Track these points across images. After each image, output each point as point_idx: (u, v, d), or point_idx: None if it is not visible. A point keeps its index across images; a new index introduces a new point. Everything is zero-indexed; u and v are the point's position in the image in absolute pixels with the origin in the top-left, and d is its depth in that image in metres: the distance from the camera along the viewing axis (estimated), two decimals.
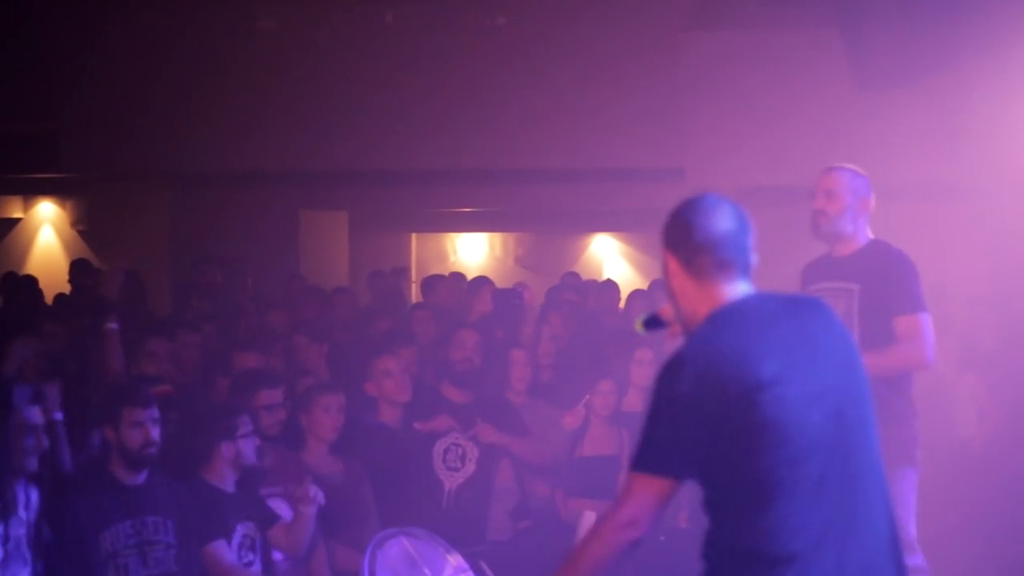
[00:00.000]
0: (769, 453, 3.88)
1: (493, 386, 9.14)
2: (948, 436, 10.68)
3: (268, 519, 7.08)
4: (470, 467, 8.33)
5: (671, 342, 4.41)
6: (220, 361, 8.59)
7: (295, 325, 10.03)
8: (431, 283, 11.66)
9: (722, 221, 4.05)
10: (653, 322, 4.58)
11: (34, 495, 6.01)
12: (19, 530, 5.75)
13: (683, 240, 4.06)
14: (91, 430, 7.09)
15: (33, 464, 5.86)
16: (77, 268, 13.49)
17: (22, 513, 5.85)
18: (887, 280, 6.42)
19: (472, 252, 18.49)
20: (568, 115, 12.36)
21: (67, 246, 16.59)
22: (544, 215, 16.33)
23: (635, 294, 11.62)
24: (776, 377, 3.88)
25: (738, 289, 4.05)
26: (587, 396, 8.93)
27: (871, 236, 6.60)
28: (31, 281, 12.98)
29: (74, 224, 16.71)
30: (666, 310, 4.38)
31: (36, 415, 5.93)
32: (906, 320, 6.37)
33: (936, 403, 10.70)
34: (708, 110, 11.55)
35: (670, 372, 3.96)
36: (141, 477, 6.57)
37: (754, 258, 4.09)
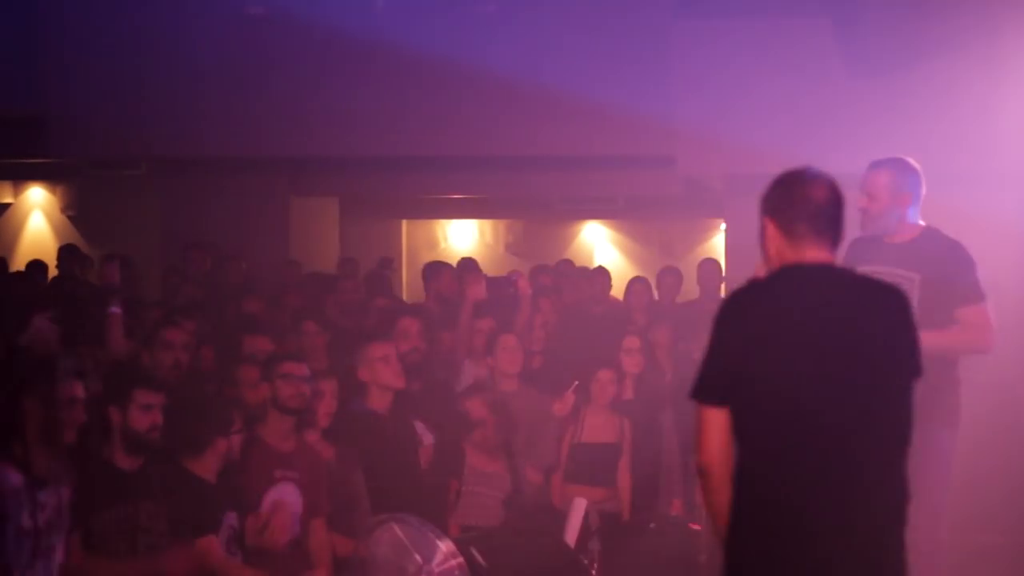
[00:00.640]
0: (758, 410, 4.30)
1: (439, 375, 9.21)
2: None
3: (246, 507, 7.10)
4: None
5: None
6: (229, 348, 8.61)
7: (297, 312, 10.03)
8: (435, 269, 11.59)
9: (819, 193, 4.45)
10: None
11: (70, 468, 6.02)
12: (51, 500, 5.75)
13: (784, 207, 4.47)
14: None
15: (71, 436, 5.87)
16: (65, 254, 13.53)
17: (57, 487, 5.86)
18: (947, 270, 6.60)
19: (462, 239, 18.50)
20: (559, 102, 12.34)
21: (57, 232, 16.59)
22: (535, 202, 16.32)
23: (636, 280, 11.64)
24: (786, 347, 4.30)
25: (821, 255, 4.45)
26: (576, 383, 8.95)
27: (923, 224, 6.75)
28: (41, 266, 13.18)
29: (64, 210, 16.71)
30: (758, 268, 4.72)
31: (79, 389, 5.94)
32: (970, 310, 6.60)
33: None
34: (699, 98, 11.53)
35: (722, 310, 4.44)
36: (138, 462, 6.56)
37: (844, 231, 4.51)
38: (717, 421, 4.32)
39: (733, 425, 4.32)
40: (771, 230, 4.49)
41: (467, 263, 12.13)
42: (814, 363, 4.28)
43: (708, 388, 4.36)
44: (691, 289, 12.01)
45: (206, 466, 6.90)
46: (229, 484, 7.00)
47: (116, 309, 8.64)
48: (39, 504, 5.68)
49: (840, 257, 4.62)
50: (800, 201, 4.45)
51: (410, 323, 8.78)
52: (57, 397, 5.74)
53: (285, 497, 7.23)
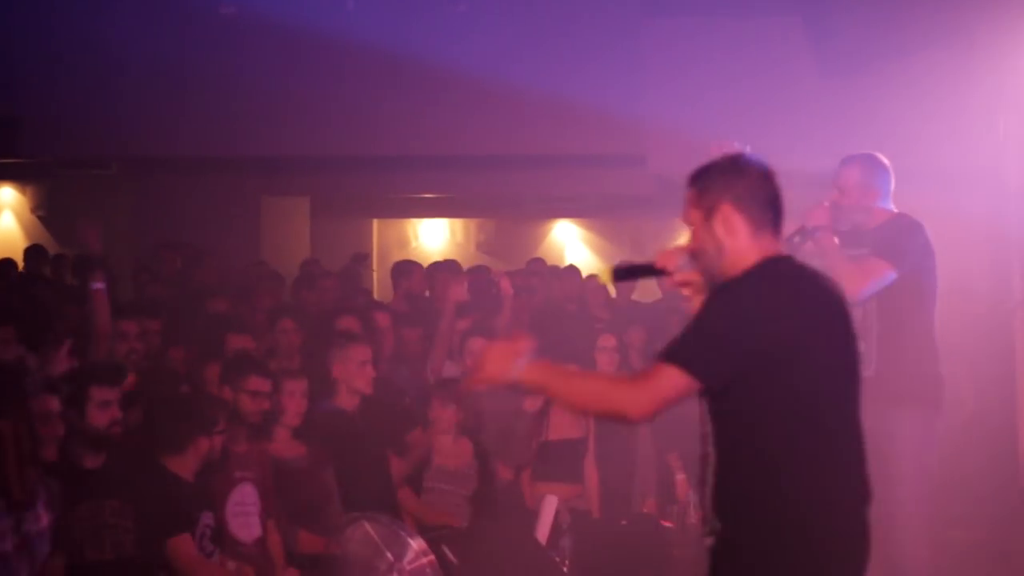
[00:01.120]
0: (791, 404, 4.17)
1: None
2: None
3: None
4: None
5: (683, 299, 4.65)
6: (211, 346, 8.56)
7: (269, 311, 10.01)
8: (403, 269, 11.59)
9: (776, 181, 4.39)
10: (625, 272, 4.74)
11: (55, 488, 5.96)
12: (33, 525, 5.69)
13: (750, 196, 4.34)
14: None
15: (52, 453, 5.82)
16: (31, 255, 13.48)
17: (40, 509, 5.79)
18: (887, 234, 6.80)
19: (434, 238, 18.48)
20: (530, 102, 12.36)
21: (27, 232, 16.50)
22: (506, 201, 16.34)
23: (591, 277, 11.69)
24: (819, 339, 4.20)
25: (779, 246, 4.38)
26: None
27: (895, 210, 6.95)
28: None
29: (34, 210, 16.63)
30: (665, 257, 4.56)
31: (53, 402, 5.89)
32: (873, 260, 6.71)
33: None
34: (669, 96, 11.57)
35: (742, 291, 4.23)
36: (100, 460, 6.53)
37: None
38: (685, 392, 4.15)
39: (750, 414, 4.16)
40: (730, 215, 4.32)
41: (450, 265, 12.11)
42: (835, 353, 4.25)
43: (715, 363, 4.13)
44: (650, 288, 12.05)
45: (185, 465, 6.87)
46: (206, 483, 7.00)
47: (99, 284, 8.19)
48: (23, 528, 5.65)
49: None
50: (764, 188, 4.36)
51: (383, 317, 8.80)
52: (30, 414, 5.69)
53: (246, 497, 7.24)
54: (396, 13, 12.65)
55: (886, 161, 6.96)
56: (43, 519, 5.78)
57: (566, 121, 12.36)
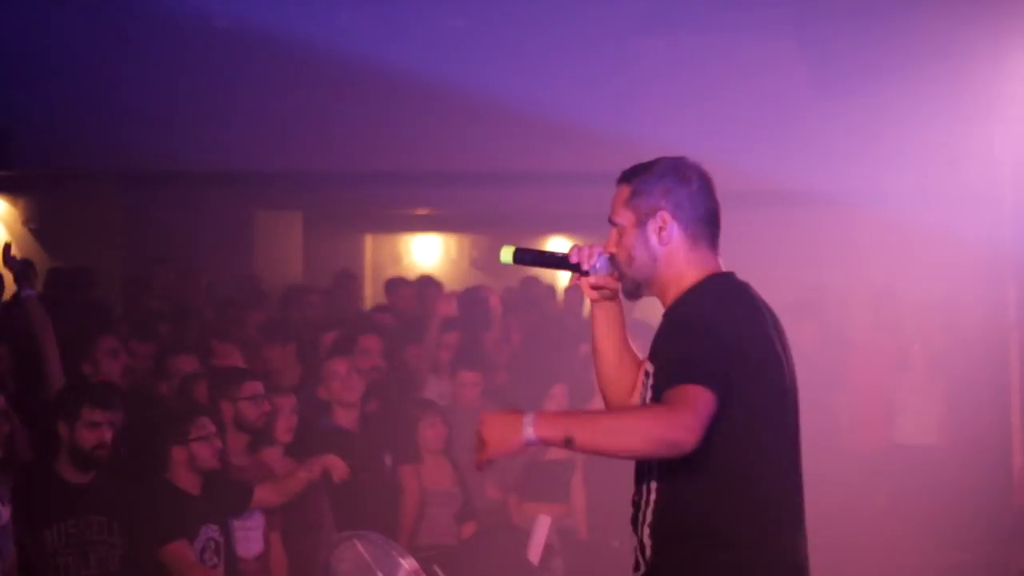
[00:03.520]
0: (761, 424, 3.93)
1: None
2: (886, 440, 10.75)
3: (241, 503, 7.09)
4: None
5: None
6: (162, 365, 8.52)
7: (261, 326, 9.98)
8: (395, 285, 11.60)
9: (716, 194, 4.11)
10: (530, 257, 4.33)
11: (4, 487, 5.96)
12: None
13: (691, 207, 4.06)
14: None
15: None
16: (20, 268, 13.38)
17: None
18: None
19: (427, 254, 18.46)
20: (524, 118, 12.34)
21: (19, 244, 16.45)
22: (499, 217, 16.31)
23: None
24: (778, 358, 3.98)
25: (719, 262, 4.10)
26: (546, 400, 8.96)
27: None
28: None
29: (26, 222, 16.59)
30: (581, 254, 4.23)
31: None
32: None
33: (874, 407, 10.78)
34: (663, 115, 11.56)
35: (699, 309, 3.94)
36: (88, 476, 6.53)
37: None
38: (715, 409, 3.77)
39: (715, 447, 3.83)
40: (669, 227, 4.04)
41: (435, 282, 12.11)
42: (783, 386, 3.99)
43: (721, 377, 3.80)
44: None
45: (179, 476, 6.90)
46: (213, 496, 7.00)
47: (30, 291, 8.08)
48: None
49: None
50: (705, 200, 4.08)
51: (371, 341, 8.78)
52: None
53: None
54: (390, 28, 12.64)
55: None
56: (4, 515, 5.79)
57: (560, 138, 12.34)
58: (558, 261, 4.28)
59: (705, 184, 4.09)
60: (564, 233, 18.03)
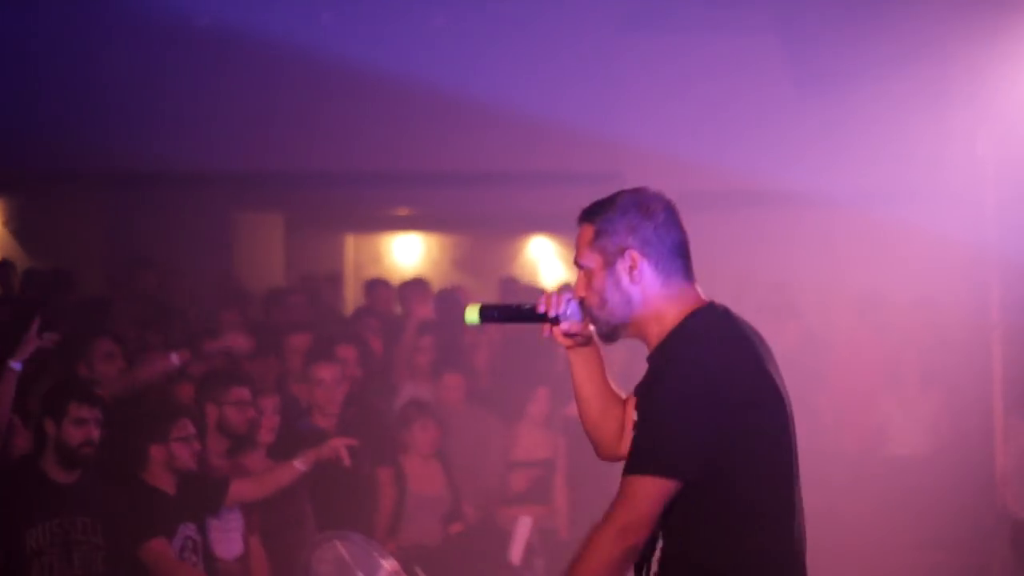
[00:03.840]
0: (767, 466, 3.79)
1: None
2: (869, 441, 10.75)
3: (216, 498, 7.07)
4: None
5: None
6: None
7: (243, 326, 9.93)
8: (374, 287, 11.56)
9: (682, 223, 3.98)
10: (497, 313, 4.15)
11: None
12: None
13: (658, 240, 3.92)
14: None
15: None
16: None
17: None
18: None
19: (409, 254, 18.43)
20: (506, 118, 12.31)
21: None
22: (481, 217, 16.29)
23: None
24: (776, 389, 3.82)
25: (698, 292, 3.94)
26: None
27: None
28: None
29: (5, 223, 16.54)
30: (550, 302, 4.00)
31: None
32: None
33: (857, 409, 10.78)
34: (647, 114, 11.54)
35: (683, 370, 3.74)
36: (73, 476, 6.52)
37: None
38: (669, 496, 3.70)
39: (718, 496, 3.73)
40: (637, 263, 3.87)
41: (418, 282, 12.08)
42: (785, 414, 3.85)
43: (686, 459, 3.68)
44: None
45: (156, 476, 6.90)
46: (188, 495, 6.98)
47: (16, 364, 7.90)
48: None
49: None
50: (671, 232, 3.93)
51: (348, 351, 8.75)
52: None
53: (227, 512, 7.24)
54: (371, 27, 12.60)
55: None
56: None
57: (542, 138, 12.32)
58: (526, 314, 4.08)
59: (670, 215, 3.97)
60: (545, 233, 18.03)
